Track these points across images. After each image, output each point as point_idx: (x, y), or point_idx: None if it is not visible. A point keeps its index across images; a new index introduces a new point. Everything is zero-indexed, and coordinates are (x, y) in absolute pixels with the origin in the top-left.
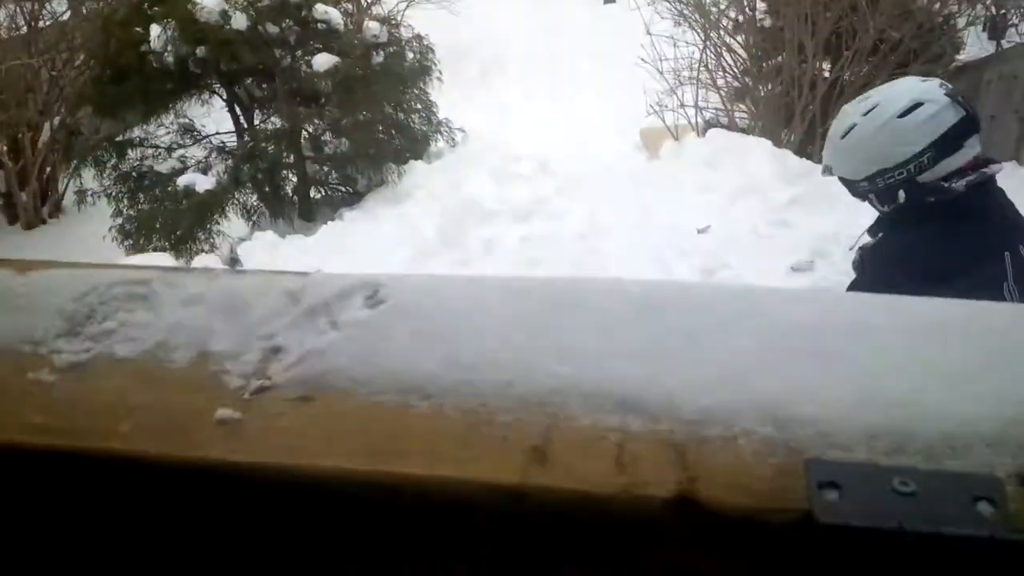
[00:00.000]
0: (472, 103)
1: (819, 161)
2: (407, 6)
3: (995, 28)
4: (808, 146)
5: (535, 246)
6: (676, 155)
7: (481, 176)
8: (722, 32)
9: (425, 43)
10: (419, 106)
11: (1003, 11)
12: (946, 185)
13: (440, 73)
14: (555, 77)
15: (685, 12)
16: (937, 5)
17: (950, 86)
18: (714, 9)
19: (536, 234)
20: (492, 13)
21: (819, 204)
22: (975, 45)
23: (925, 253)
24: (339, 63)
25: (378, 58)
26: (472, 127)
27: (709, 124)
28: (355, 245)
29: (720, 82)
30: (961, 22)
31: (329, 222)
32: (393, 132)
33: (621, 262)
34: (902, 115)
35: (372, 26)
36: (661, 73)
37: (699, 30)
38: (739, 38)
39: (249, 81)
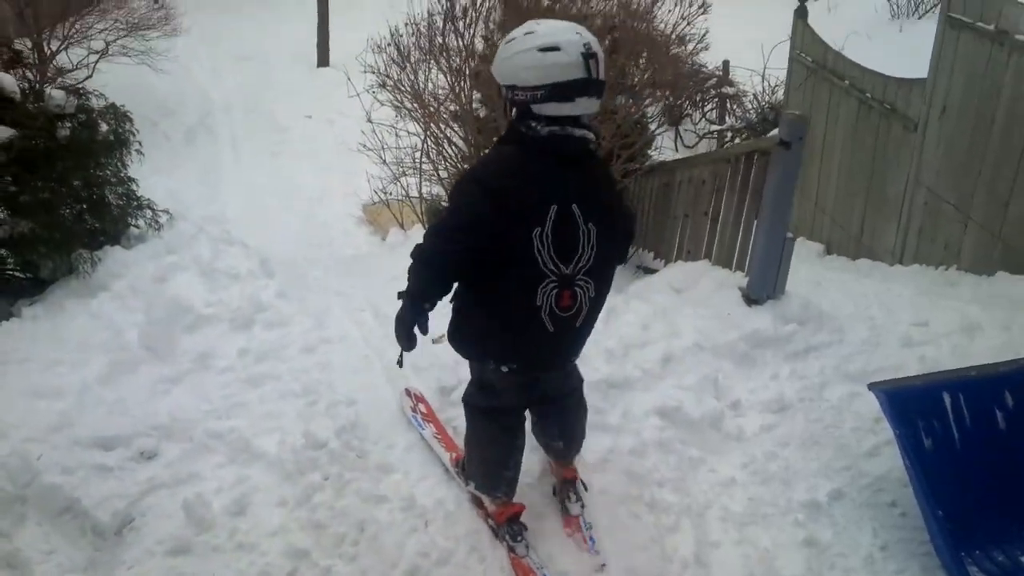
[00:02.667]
0: (181, 169)
1: None
2: (99, 58)
3: (671, 115)
4: None
5: (257, 361)
6: (402, 246)
7: (191, 273)
8: (442, 125)
9: (122, 112)
10: (114, 181)
11: (678, 101)
12: (534, 124)
13: (140, 144)
14: (268, 141)
15: (405, 103)
16: (632, 109)
17: (592, 49)
18: (433, 100)
19: (257, 347)
20: (197, 69)
21: None
22: (665, 137)
23: (491, 159)
24: (15, 135)
25: (63, 130)
26: (179, 199)
27: (433, 211)
28: (37, 351)
29: (443, 172)
30: (653, 126)
31: (3, 322)
32: (84, 212)
33: (353, 377)
34: (542, 50)
35: (56, 95)
36: (384, 161)
37: (420, 120)
38: (458, 129)
39: None
